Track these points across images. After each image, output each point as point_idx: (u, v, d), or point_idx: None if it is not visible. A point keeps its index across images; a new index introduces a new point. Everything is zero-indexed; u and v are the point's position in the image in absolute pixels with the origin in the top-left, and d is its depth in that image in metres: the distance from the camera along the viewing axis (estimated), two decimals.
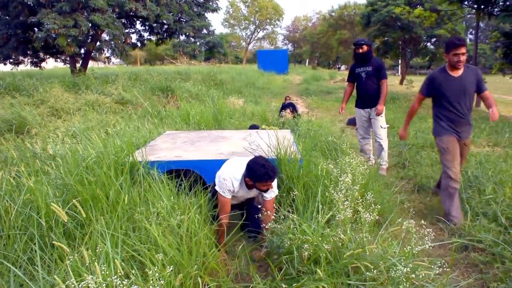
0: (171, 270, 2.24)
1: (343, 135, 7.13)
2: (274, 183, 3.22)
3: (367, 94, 5.91)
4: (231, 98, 11.60)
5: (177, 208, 3.05)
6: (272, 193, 3.31)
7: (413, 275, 2.42)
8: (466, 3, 14.41)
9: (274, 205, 3.40)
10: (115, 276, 1.94)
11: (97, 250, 2.33)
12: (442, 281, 2.58)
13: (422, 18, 19.22)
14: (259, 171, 3.03)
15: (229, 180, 3.20)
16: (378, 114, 5.85)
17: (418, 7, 20.60)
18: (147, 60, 52.00)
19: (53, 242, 2.26)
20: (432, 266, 2.46)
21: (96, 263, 1.94)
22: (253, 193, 3.41)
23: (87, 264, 2.09)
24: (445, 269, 2.53)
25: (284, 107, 10.06)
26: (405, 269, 2.35)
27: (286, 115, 8.92)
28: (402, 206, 4.31)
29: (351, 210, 2.97)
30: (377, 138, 5.96)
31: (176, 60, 29.21)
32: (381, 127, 5.90)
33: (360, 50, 5.83)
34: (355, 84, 6.12)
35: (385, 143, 5.94)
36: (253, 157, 3.21)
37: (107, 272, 2.02)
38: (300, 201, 3.45)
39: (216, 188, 3.25)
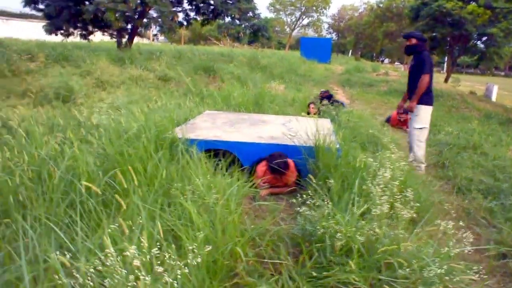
0: (210, 249, 2.24)
1: (384, 129, 6.98)
2: None
3: (408, 89, 5.75)
4: (272, 83, 11.53)
5: (213, 187, 3.07)
6: None
7: (447, 278, 2.34)
8: None
9: None
10: (156, 249, 1.97)
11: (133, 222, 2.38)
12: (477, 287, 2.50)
13: (475, 15, 18.35)
14: None
15: None
16: (409, 111, 5.66)
17: (472, 3, 19.72)
18: (190, 39, 52.27)
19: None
20: (468, 271, 2.38)
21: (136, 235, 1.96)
22: None
23: (126, 234, 2.14)
24: (481, 275, 2.44)
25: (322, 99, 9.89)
26: (440, 270, 2.29)
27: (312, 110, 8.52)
28: (439, 207, 4.20)
29: (388, 205, 2.91)
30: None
31: (219, 41, 29.27)
32: (414, 127, 5.60)
33: (407, 43, 5.65)
34: None
35: (414, 144, 5.57)
36: None
37: (146, 244, 2.05)
38: (335, 191, 3.39)
39: None
